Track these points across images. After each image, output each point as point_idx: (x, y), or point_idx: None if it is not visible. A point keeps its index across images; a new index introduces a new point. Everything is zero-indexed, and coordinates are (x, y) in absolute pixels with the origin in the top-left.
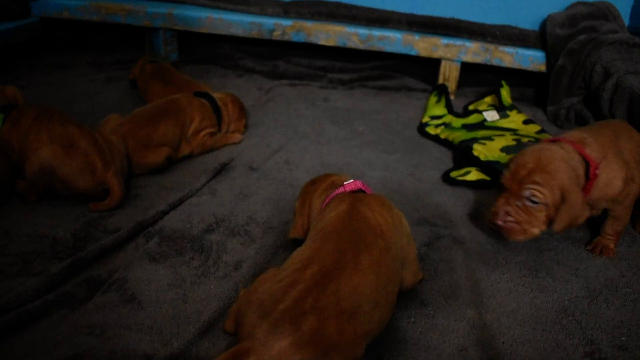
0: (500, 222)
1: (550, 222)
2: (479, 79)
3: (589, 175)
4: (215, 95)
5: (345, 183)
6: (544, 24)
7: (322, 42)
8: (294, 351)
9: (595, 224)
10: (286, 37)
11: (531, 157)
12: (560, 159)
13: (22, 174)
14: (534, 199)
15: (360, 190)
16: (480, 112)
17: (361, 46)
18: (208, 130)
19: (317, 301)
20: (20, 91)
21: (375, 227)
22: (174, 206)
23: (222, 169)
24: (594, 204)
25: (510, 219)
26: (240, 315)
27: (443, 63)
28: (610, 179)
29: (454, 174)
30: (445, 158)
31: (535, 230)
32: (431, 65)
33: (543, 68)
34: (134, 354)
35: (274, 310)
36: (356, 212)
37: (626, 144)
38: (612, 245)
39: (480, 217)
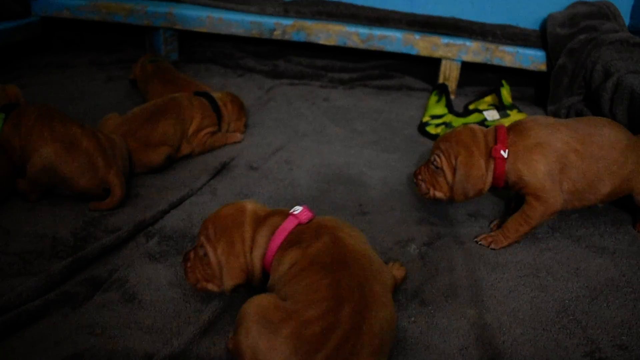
0: (415, 179)
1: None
2: (479, 78)
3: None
4: (216, 94)
5: (294, 212)
6: (544, 24)
7: (322, 41)
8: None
9: (596, 225)
10: (286, 37)
11: (454, 130)
12: (471, 135)
13: (22, 173)
14: (435, 163)
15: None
16: (480, 111)
17: (361, 45)
18: (208, 130)
19: (355, 346)
20: (20, 90)
21: (362, 253)
22: (174, 205)
23: (222, 169)
24: (512, 185)
25: (420, 177)
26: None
27: (443, 62)
28: (526, 167)
29: None
30: None
31: (438, 194)
32: (431, 64)
33: (543, 67)
34: (134, 353)
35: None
36: (341, 242)
37: (587, 148)
38: (504, 243)
39: (480, 216)
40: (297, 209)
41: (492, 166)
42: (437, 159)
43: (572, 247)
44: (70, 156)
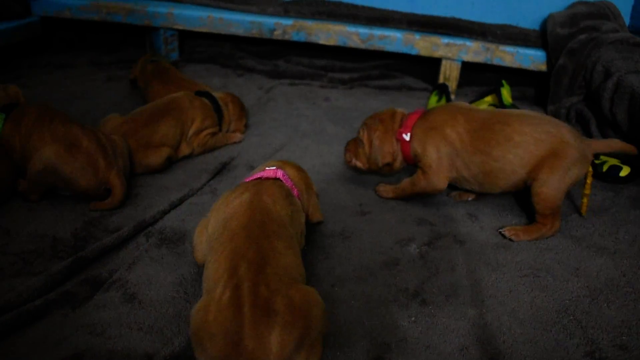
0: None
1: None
2: (480, 78)
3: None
4: (216, 94)
5: (267, 169)
6: (544, 23)
7: (322, 41)
8: (289, 332)
9: (596, 225)
10: (286, 37)
11: (380, 111)
12: (390, 116)
13: (23, 173)
14: (359, 136)
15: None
16: None
17: (362, 45)
18: (209, 130)
19: (268, 284)
20: (21, 90)
21: (277, 218)
22: (174, 206)
23: (222, 169)
24: (417, 161)
25: (347, 148)
26: (202, 343)
27: (444, 62)
28: (420, 147)
29: None
30: None
31: (358, 163)
32: (432, 64)
33: (543, 67)
34: (134, 354)
35: (241, 319)
36: (258, 202)
37: (475, 141)
38: (390, 194)
39: (480, 216)
40: (272, 168)
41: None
42: (361, 132)
43: (573, 247)
44: (71, 156)
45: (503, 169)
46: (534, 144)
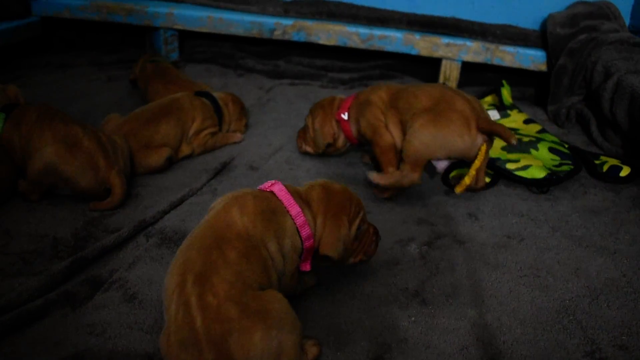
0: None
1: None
2: (480, 78)
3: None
4: (217, 94)
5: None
6: (544, 24)
7: (322, 41)
8: (249, 337)
9: (597, 225)
10: (287, 37)
11: (322, 99)
12: (330, 101)
13: (23, 173)
14: (306, 122)
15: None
16: None
17: (362, 45)
18: (209, 130)
19: (216, 293)
20: (21, 91)
21: (240, 229)
22: (174, 206)
23: (222, 169)
24: (363, 139)
25: (298, 135)
26: None
27: (444, 62)
28: (357, 121)
29: (453, 175)
30: None
31: (307, 148)
32: (432, 64)
33: (544, 67)
34: (134, 353)
35: (197, 333)
36: (224, 214)
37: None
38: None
39: (480, 216)
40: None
41: (340, 127)
42: (306, 119)
43: (573, 247)
44: (71, 156)
45: (406, 120)
46: (426, 97)
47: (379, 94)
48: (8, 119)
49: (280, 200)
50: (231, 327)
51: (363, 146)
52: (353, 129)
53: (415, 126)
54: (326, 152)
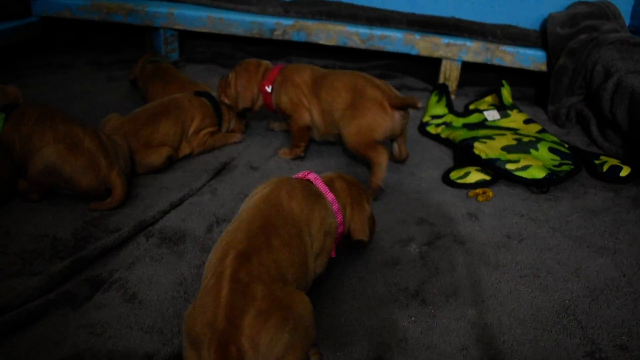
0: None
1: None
2: (480, 78)
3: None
4: (216, 94)
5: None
6: (544, 24)
7: (322, 41)
8: (265, 319)
9: (597, 225)
10: (287, 37)
11: (250, 61)
12: (256, 66)
13: (23, 173)
14: (228, 78)
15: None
16: (481, 111)
17: (362, 46)
18: (209, 130)
19: (251, 272)
20: (21, 91)
21: (287, 213)
22: (174, 205)
23: (222, 169)
24: (280, 111)
25: (219, 83)
26: (189, 330)
27: (444, 62)
28: (278, 97)
29: (453, 176)
30: (445, 157)
31: (226, 100)
32: (432, 64)
33: (544, 67)
34: (134, 354)
35: (219, 301)
36: (274, 197)
37: (315, 87)
38: (293, 153)
39: (480, 216)
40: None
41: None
42: (230, 75)
43: (573, 247)
44: (72, 156)
45: (328, 111)
46: (344, 90)
47: (304, 77)
48: (8, 119)
49: (317, 187)
50: (251, 305)
51: (276, 113)
52: (274, 101)
53: (345, 127)
54: (238, 110)
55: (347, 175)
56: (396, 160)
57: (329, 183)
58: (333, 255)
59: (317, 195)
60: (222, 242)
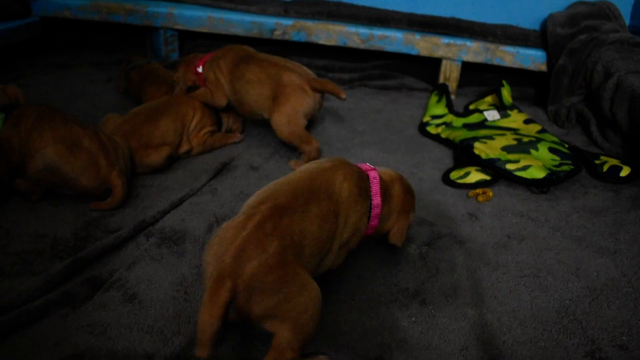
0: None
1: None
2: (480, 78)
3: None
4: None
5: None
6: (544, 24)
7: (322, 41)
8: (266, 272)
9: (597, 225)
10: (287, 37)
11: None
12: (191, 57)
13: (22, 173)
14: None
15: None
16: (481, 111)
17: (362, 46)
18: (208, 129)
19: (276, 228)
20: (21, 91)
21: (336, 191)
22: (174, 205)
23: (222, 169)
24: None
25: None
26: (204, 255)
27: (444, 62)
28: (206, 73)
29: (453, 176)
30: (445, 157)
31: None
32: (432, 64)
33: (544, 67)
34: (134, 354)
35: (237, 238)
36: (329, 173)
37: (234, 71)
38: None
39: (481, 216)
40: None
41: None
42: (177, 67)
43: (573, 247)
44: (72, 156)
45: (245, 100)
46: (258, 83)
47: (225, 61)
48: (7, 118)
49: (370, 186)
50: (261, 255)
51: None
52: (205, 78)
53: (272, 118)
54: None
55: (406, 181)
56: None
57: (387, 185)
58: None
59: (366, 192)
60: (266, 190)
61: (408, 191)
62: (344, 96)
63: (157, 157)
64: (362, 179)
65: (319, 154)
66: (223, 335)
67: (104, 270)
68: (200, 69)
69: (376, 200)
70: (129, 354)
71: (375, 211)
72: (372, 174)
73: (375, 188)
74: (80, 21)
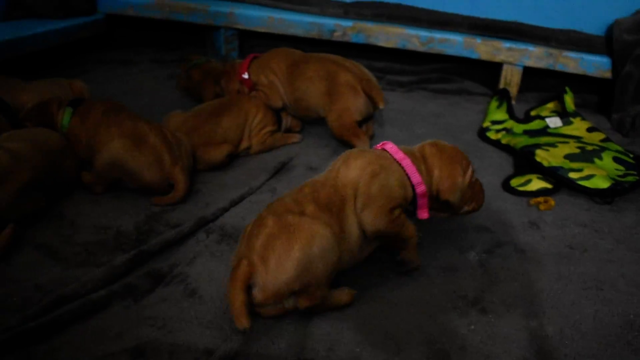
0: None
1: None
2: (540, 84)
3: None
4: None
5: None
6: (610, 29)
7: (382, 43)
8: (272, 240)
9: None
10: (346, 38)
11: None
12: (230, 66)
13: (88, 166)
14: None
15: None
16: (542, 118)
17: (421, 48)
18: (269, 128)
19: (270, 209)
20: (86, 86)
21: (338, 178)
22: (234, 203)
23: (281, 168)
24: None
25: None
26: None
27: (505, 67)
28: (255, 77)
29: (514, 183)
30: (505, 164)
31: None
32: (491, 68)
33: (608, 74)
34: (195, 348)
35: (246, 234)
36: (334, 167)
37: (289, 74)
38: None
39: (541, 224)
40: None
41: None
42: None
43: (638, 260)
44: (137, 151)
45: (304, 98)
46: (318, 79)
47: (279, 63)
48: (75, 113)
49: (390, 154)
50: (263, 231)
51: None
52: (253, 83)
53: (326, 115)
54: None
55: (444, 143)
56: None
57: (419, 150)
58: (426, 216)
59: (380, 158)
60: (305, 186)
61: (445, 149)
62: (382, 106)
63: (218, 154)
64: (376, 156)
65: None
66: (279, 333)
67: (165, 264)
68: (246, 75)
69: (405, 162)
70: (189, 348)
71: (408, 166)
72: (388, 146)
73: (397, 154)
74: (141, 18)
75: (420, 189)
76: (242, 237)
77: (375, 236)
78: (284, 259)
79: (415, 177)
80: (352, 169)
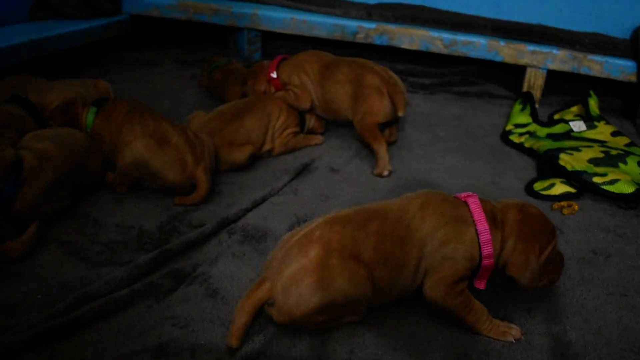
0: None
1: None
2: (564, 87)
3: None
4: None
5: (464, 195)
6: (635, 33)
7: (405, 45)
8: (301, 276)
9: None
10: (369, 40)
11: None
12: (259, 66)
13: (111, 165)
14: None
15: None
16: (566, 121)
17: (445, 51)
18: (292, 130)
19: (322, 235)
20: (111, 86)
21: (406, 218)
22: (256, 204)
23: (303, 169)
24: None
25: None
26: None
27: (528, 70)
28: (285, 76)
29: (537, 187)
30: (529, 167)
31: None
32: (514, 71)
33: (633, 78)
34: (217, 348)
35: (288, 244)
36: (407, 202)
37: (322, 76)
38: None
39: (564, 230)
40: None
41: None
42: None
43: None
44: (160, 151)
45: (333, 100)
46: (346, 82)
47: (312, 65)
48: (99, 112)
49: (471, 212)
50: (300, 260)
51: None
52: (281, 83)
53: (353, 116)
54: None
55: (533, 209)
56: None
57: (502, 211)
58: (482, 287)
59: (457, 219)
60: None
61: (528, 218)
62: (401, 113)
63: (240, 155)
64: (452, 206)
65: (386, 155)
66: (300, 334)
67: (187, 264)
68: (274, 75)
69: (481, 226)
70: (211, 349)
71: (484, 237)
72: (471, 200)
73: (477, 213)
74: (164, 19)
75: (488, 262)
76: (281, 244)
77: (435, 307)
78: (304, 300)
79: (487, 249)
80: (427, 223)
